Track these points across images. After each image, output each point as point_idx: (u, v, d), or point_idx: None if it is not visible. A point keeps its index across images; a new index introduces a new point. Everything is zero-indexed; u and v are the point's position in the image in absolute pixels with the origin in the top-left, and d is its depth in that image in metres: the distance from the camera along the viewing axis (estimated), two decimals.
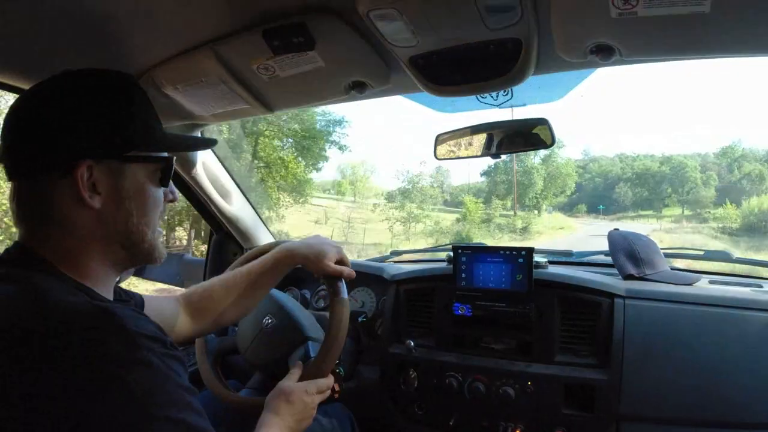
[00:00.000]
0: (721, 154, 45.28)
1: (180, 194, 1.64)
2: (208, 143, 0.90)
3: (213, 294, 1.04)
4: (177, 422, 0.54)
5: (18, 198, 0.64)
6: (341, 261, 1.09)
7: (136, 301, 0.89)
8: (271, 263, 1.06)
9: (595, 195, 48.35)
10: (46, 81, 0.65)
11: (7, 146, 0.64)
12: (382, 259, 1.92)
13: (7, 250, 0.65)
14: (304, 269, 1.09)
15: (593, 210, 45.20)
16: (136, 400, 0.52)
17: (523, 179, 34.51)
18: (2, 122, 0.65)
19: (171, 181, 0.75)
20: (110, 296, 0.69)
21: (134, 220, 0.68)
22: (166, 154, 0.72)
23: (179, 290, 1.35)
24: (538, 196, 34.68)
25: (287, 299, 1.30)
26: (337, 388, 1.29)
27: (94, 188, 0.63)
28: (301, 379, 0.99)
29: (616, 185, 47.58)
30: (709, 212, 37.61)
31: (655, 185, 44.95)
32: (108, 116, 0.65)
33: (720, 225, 33.01)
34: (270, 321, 1.23)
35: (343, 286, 1.07)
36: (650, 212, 44.50)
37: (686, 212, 41.59)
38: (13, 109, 0.64)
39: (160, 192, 0.72)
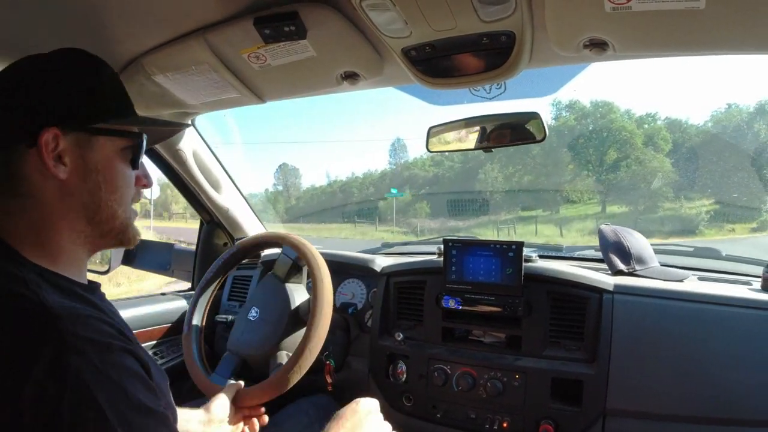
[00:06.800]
0: (638, 124, 25.50)
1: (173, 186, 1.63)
2: (181, 125, 0.88)
3: None
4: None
5: None
6: None
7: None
8: None
9: (454, 190, 30.24)
10: (13, 63, 0.65)
11: None
12: (373, 252, 1.92)
13: None
14: None
15: (460, 209, 23.28)
16: (68, 416, 0.47)
17: None
18: None
19: (143, 165, 0.74)
20: (83, 279, 0.68)
21: (102, 194, 0.66)
22: (135, 130, 0.71)
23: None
24: None
25: (276, 294, 1.28)
26: (329, 380, 1.29)
27: (60, 159, 0.62)
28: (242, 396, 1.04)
29: (480, 168, 28.71)
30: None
31: (544, 160, 24.98)
32: (74, 87, 0.65)
33: None
34: (256, 313, 1.24)
35: None
36: (539, 211, 23.61)
37: (626, 209, 21.69)
38: None
39: (132, 173, 0.71)
